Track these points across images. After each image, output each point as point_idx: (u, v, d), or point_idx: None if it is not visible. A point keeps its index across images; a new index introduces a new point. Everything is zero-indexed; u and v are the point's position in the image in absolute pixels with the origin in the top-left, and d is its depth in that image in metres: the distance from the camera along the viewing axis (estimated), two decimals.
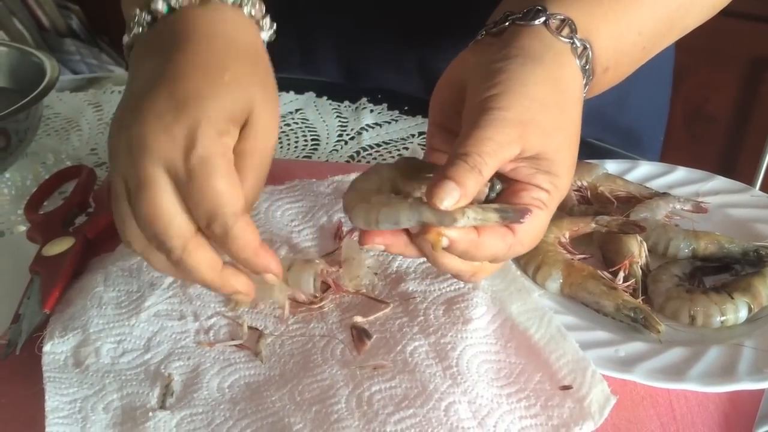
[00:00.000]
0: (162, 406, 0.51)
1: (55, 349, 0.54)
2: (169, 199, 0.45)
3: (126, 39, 0.51)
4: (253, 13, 0.51)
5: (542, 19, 0.49)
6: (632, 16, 0.53)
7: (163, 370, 0.53)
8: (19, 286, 0.62)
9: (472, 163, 0.44)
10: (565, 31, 0.49)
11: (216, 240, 0.46)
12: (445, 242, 0.43)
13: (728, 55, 1.58)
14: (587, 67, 0.50)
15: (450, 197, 0.43)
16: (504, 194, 0.48)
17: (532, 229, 0.46)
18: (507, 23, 0.50)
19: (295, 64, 1.01)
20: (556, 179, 0.47)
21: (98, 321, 0.56)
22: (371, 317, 0.56)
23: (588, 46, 0.50)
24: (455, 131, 0.47)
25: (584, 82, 0.51)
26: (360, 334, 0.54)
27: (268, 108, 0.48)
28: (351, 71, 0.98)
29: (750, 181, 1.66)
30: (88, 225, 0.67)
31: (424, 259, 0.60)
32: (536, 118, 0.46)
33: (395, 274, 0.60)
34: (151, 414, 0.49)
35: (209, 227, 0.45)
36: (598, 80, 0.52)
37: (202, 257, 0.46)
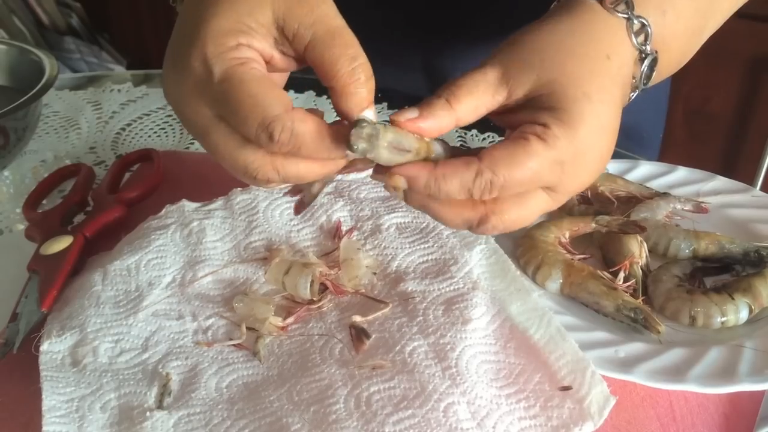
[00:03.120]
0: (159, 405, 0.50)
1: (53, 348, 0.54)
2: (226, 133, 0.44)
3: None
4: None
5: None
6: None
7: (160, 370, 0.53)
8: (17, 284, 0.62)
9: (441, 93, 0.43)
10: (621, 7, 0.47)
11: (280, 145, 0.43)
12: (402, 182, 0.42)
13: (729, 55, 1.58)
14: (647, 44, 0.47)
15: (408, 113, 0.42)
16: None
17: (508, 156, 0.42)
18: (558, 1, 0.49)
19: None
20: (560, 113, 0.43)
21: (96, 320, 0.56)
22: (370, 317, 0.56)
23: (647, 22, 0.47)
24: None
25: (643, 57, 0.48)
26: (359, 334, 0.54)
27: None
28: None
29: (750, 181, 1.66)
30: (86, 224, 0.67)
31: (424, 258, 0.61)
32: (523, 56, 0.44)
33: (394, 274, 0.60)
34: (148, 414, 0.49)
35: (270, 137, 0.42)
36: (662, 58, 0.49)
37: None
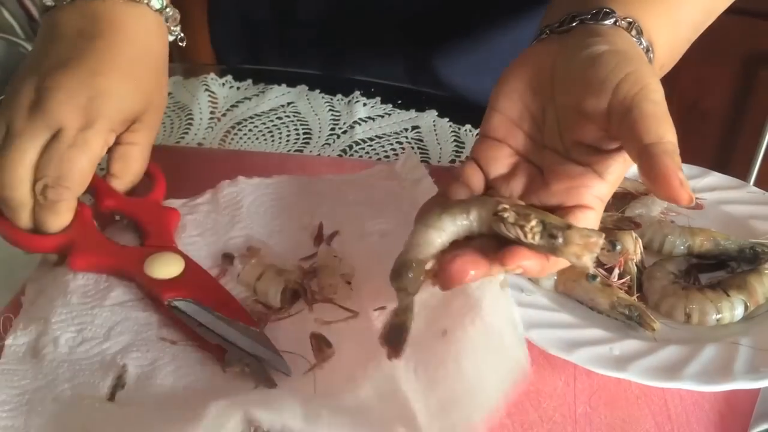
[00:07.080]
0: (111, 398, 0.48)
1: (17, 341, 0.52)
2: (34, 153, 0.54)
3: (48, 2, 0.59)
4: (168, 20, 0.63)
5: (612, 21, 0.49)
6: (684, 11, 0.53)
7: (118, 361, 0.50)
8: (10, 281, 0.60)
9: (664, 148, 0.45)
10: (633, 32, 0.49)
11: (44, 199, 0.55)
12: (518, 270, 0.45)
13: (723, 52, 1.58)
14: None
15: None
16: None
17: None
18: (574, 23, 0.50)
19: (274, 48, 1.00)
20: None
21: (62, 310, 0.53)
22: (333, 324, 0.53)
23: (651, 48, 0.50)
24: (518, 121, 0.51)
25: None
26: (319, 343, 0.51)
27: (157, 110, 0.62)
28: (331, 55, 0.98)
29: (744, 177, 1.66)
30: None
31: None
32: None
33: (371, 283, 0.56)
34: (98, 405, 0.47)
35: (49, 185, 0.54)
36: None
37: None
